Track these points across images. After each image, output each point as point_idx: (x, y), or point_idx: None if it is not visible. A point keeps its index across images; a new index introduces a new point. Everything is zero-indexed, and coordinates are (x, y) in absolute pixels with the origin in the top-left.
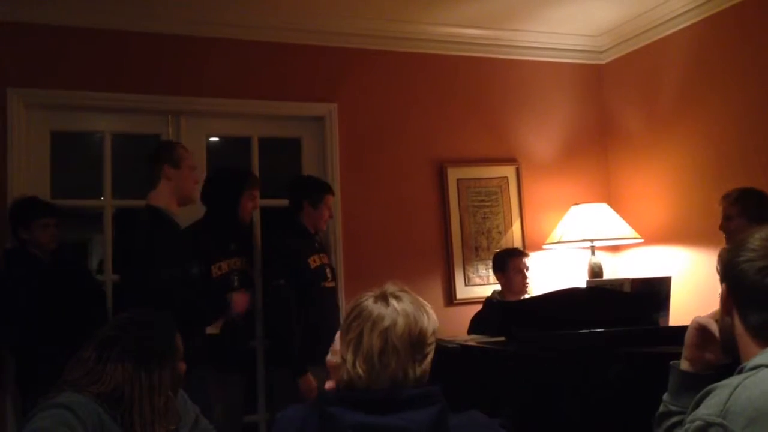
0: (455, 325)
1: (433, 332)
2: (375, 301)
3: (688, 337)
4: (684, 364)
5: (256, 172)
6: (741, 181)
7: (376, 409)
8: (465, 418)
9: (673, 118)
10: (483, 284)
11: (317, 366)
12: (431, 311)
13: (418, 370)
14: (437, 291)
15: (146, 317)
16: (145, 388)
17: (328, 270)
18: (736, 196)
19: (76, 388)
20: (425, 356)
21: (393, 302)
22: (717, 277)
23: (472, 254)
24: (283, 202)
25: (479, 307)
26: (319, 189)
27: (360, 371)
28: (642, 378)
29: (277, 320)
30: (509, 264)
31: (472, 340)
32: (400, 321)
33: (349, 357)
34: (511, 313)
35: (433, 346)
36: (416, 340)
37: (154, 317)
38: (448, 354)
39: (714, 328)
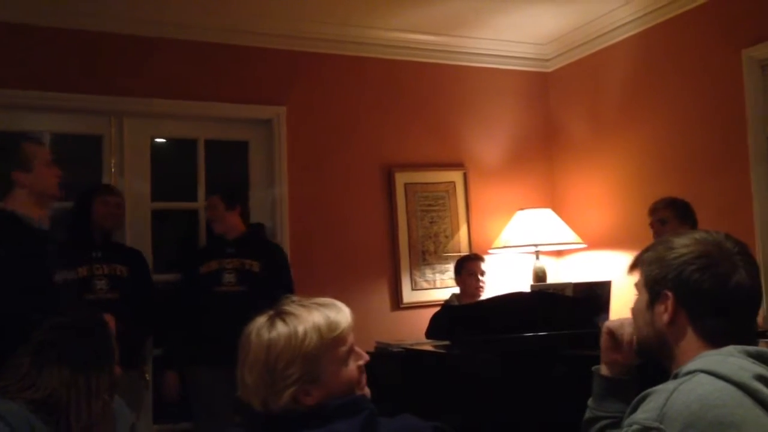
0: (402, 329)
1: (297, 359)
2: (253, 324)
3: (602, 342)
4: (603, 369)
5: (203, 174)
6: (677, 188)
7: (300, 426)
8: (396, 423)
9: (615, 126)
10: (430, 288)
11: (201, 366)
12: (310, 333)
13: (280, 401)
14: (384, 295)
15: (82, 320)
16: (83, 393)
17: (230, 275)
18: (669, 201)
19: (7, 395)
20: (284, 387)
21: (263, 329)
22: None
23: (419, 258)
24: None
25: (426, 311)
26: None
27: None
28: (583, 379)
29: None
30: (464, 267)
31: (418, 344)
32: (251, 354)
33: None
34: (457, 316)
35: (296, 376)
36: (268, 371)
37: (90, 320)
38: (393, 358)
39: (620, 332)
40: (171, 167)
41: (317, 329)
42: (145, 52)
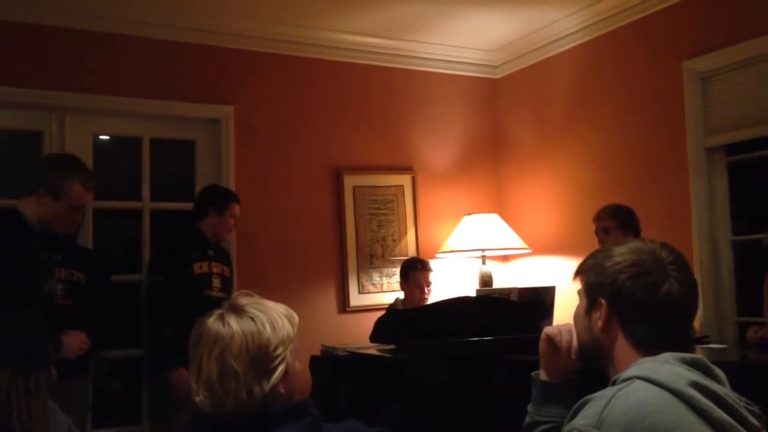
0: (348, 333)
1: (281, 343)
2: (215, 320)
3: (540, 348)
4: (542, 375)
5: (147, 174)
6: (620, 195)
7: (246, 430)
8: (340, 429)
9: (561, 133)
10: (376, 292)
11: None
12: (282, 320)
13: (266, 387)
14: (331, 298)
15: (15, 321)
16: (22, 394)
17: (216, 280)
18: (613, 210)
19: None
20: (272, 370)
21: (232, 319)
22: None
23: (366, 262)
24: (176, 206)
25: (373, 314)
26: (225, 196)
27: (203, 397)
28: (525, 384)
29: (149, 315)
30: (410, 277)
31: (364, 348)
32: (236, 340)
33: (194, 384)
34: (402, 321)
35: (281, 358)
36: (255, 356)
37: (24, 320)
38: (339, 362)
39: (558, 339)
40: (114, 165)
41: (287, 317)
42: (88, 46)
